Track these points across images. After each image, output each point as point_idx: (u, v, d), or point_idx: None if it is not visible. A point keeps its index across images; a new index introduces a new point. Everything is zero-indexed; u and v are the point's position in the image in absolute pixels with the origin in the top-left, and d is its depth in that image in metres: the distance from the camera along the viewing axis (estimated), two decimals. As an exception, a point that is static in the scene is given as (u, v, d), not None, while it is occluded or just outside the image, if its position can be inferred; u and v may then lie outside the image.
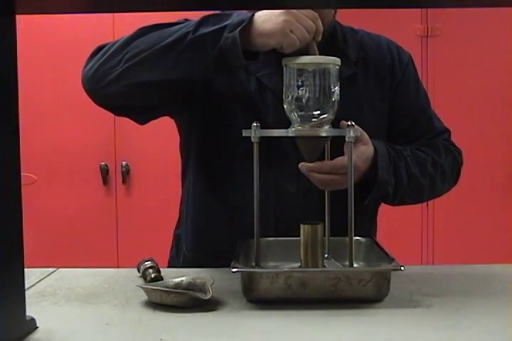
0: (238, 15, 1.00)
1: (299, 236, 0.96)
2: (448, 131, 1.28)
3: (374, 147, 1.08)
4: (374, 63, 1.20)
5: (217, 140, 1.18)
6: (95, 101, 1.12)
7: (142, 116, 1.18)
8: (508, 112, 2.78)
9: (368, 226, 1.26)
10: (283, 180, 1.14)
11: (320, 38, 1.00)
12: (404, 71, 1.23)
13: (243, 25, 0.97)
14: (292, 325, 0.81)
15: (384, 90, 1.21)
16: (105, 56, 1.06)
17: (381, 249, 1.01)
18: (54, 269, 1.12)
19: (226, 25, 0.98)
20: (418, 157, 1.16)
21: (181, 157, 1.28)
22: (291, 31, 0.96)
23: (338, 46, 1.18)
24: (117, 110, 1.16)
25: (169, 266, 1.29)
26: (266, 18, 0.97)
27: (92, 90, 1.10)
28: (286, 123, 0.98)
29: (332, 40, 1.17)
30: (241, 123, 1.02)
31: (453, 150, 1.24)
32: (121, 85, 1.05)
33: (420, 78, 1.30)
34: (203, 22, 1.00)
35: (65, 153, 2.72)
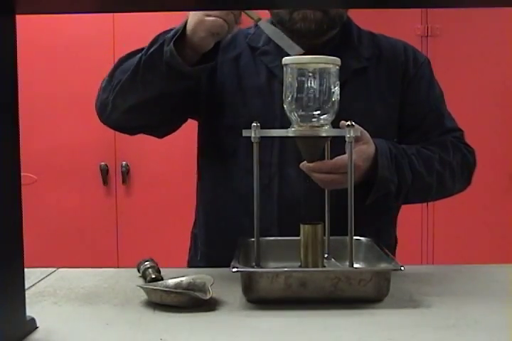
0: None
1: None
2: (460, 130, 1.28)
3: (375, 146, 1.08)
4: (387, 60, 1.24)
5: (223, 129, 1.22)
6: (111, 128, 1.23)
7: (158, 131, 1.26)
8: (508, 112, 2.77)
9: (390, 228, 1.30)
10: (285, 164, 1.18)
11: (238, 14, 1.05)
12: (417, 69, 1.26)
13: (177, 35, 1.04)
14: (292, 325, 0.81)
15: (395, 84, 1.23)
16: (101, 88, 1.18)
17: (381, 248, 1.01)
18: (54, 269, 1.12)
19: (165, 40, 1.05)
20: (424, 155, 1.16)
21: (197, 154, 1.32)
22: (207, 16, 1.02)
23: (352, 45, 1.22)
24: (131, 131, 1.26)
25: (189, 267, 1.32)
26: (189, 20, 1.04)
27: (102, 120, 1.21)
28: None
29: (347, 40, 1.22)
30: (245, 113, 1.15)
31: (462, 148, 1.23)
32: (118, 112, 1.15)
33: None
34: (154, 41, 1.08)
35: (65, 153, 2.72)
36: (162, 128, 1.25)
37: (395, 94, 1.23)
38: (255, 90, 1.20)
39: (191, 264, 1.33)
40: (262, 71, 1.21)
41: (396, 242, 1.36)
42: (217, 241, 1.25)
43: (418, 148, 1.17)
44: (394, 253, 1.34)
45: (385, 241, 1.16)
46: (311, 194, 1.10)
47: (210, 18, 1.01)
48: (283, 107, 0.98)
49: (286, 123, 0.98)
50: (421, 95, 1.25)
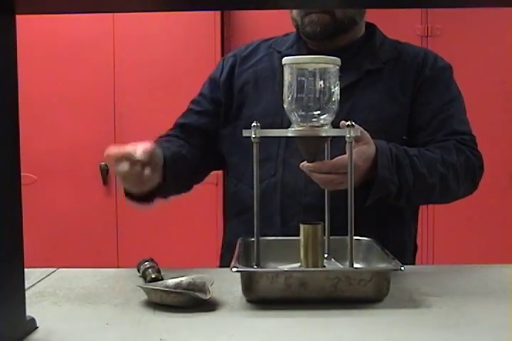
0: None
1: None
2: (471, 135, 1.26)
3: (376, 146, 1.08)
4: (404, 62, 1.26)
5: (240, 125, 1.24)
6: None
7: (207, 174, 1.36)
8: (508, 112, 2.77)
9: (400, 231, 1.28)
10: (289, 154, 1.21)
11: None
12: (434, 71, 1.27)
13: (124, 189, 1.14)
14: (292, 325, 0.81)
15: (407, 84, 1.25)
16: None
17: (381, 248, 1.01)
18: (54, 269, 1.12)
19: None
20: (426, 156, 1.16)
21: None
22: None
23: (372, 48, 1.27)
24: (187, 191, 1.31)
25: (220, 266, 1.34)
26: None
27: None
28: None
29: (368, 44, 1.28)
30: (258, 111, 1.23)
31: (465, 151, 1.21)
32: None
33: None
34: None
35: (65, 153, 2.72)
36: (207, 172, 1.35)
37: (406, 94, 1.24)
38: (269, 90, 1.24)
39: (222, 258, 1.36)
40: (277, 72, 1.23)
41: (415, 248, 1.34)
42: (237, 229, 1.29)
43: (420, 150, 1.17)
44: (412, 259, 1.32)
45: (394, 244, 1.13)
46: (312, 182, 1.10)
47: (118, 171, 1.08)
48: None
49: None
50: (433, 96, 1.25)
